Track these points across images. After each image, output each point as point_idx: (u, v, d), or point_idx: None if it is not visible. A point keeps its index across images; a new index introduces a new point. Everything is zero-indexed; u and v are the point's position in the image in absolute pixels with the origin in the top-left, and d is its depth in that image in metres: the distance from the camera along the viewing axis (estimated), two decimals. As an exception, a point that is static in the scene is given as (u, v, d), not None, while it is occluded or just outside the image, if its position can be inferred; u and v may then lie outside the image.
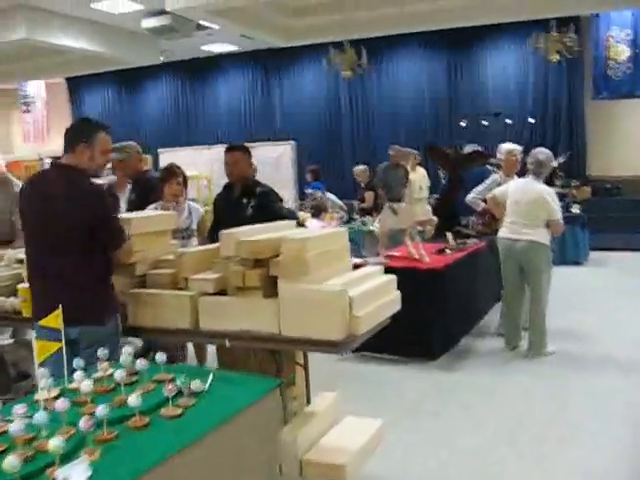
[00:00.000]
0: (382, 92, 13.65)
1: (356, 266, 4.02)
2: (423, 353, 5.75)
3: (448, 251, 6.35)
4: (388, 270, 5.80)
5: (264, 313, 3.48)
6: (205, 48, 14.31)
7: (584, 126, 12.37)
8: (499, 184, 6.40)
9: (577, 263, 10.25)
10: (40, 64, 14.14)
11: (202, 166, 9.50)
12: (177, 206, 5.38)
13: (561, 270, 9.43)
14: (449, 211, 7.27)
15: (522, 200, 5.72)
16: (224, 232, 3.74)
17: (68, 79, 17.17)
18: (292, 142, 9.16)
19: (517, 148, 6.62)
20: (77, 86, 17.32)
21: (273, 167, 9.08)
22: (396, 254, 6.38)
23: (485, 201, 6.42)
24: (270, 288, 3.38)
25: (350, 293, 3.42)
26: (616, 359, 5.70)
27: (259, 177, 8.96)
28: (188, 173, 9.40)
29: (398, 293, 3.99)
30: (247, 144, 8.89)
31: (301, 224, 7.62)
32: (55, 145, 16.93)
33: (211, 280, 3.61)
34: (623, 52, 11.73)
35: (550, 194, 5.69)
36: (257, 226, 4.20)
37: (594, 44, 11.82)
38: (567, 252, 10.25)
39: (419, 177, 10.81)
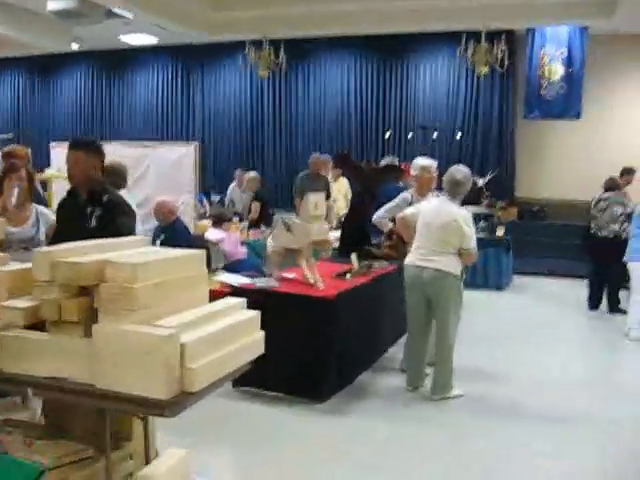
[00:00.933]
0: (307, 96, 12.92)
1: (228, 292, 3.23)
2: (310, 392, 5.00)
3: (348, 276, 5.62)
4: (274, 295, 5.22)
5: (78, 358, 2.70)
6: (123, 39, 13.33)
7: (514, 145, 11.88)
8: (410, 203, 5.73)
9: (499, 288, 9.72)
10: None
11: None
12: (19, 210, 4.52)
13: (481, 295, 8.92)
14: (358, 229, 6.55)
15: (433, 223, 5.04)
16: (38, 250, 2.97)
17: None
18: (195, 143, 8.27)
19: (433, 164, 5.97)
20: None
21: (172, 169, 8.18)
22: (289, 276, 5.62)
23: (394, 221, 5.73)
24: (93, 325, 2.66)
25: (184, 338, 2.65)
26: (524, 405, 5.09)
27: (156, 180, 8.50)
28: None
29: (261, 334, 3.25)
30: (147, 142, 8.00)
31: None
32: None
33: (21, 310, 2.81)
34: (557, 71, 11.29)
35: (465, 219, 5.01)
36: (93, 242, 3.40)
37: (528, 61, 11.34)
38: (490, 276, 9.73)
39: (340, 189, 10.18)
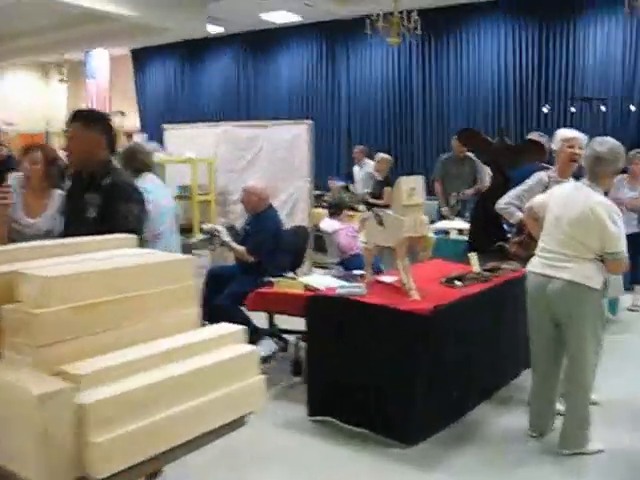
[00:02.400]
0: (459, 71, 11.53)
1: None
2: (395, 432, 3.89)
3: (458, 283, 4.40)
4: (356, 305, 4.14)
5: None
6: (265, 17, 12.76)
7: None
8: (546, 187, 4.41)
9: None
10: (84, 34, 13.08)
11: (208, 148, 7.86)
12: (35, 197, 3.87)
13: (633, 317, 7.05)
14: (490, 219, 5.29)
15: (564, 216, 3.72)
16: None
17: (133, 51, 16.18)
18: (309, 122, 7.33)
19: (579, 136, 4.57)
20: (141, 58, 16.30)
21: (286, 151, 7.30)
22: (388, 280, 4.52)
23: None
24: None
25: (90, 396, 1.79)
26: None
27: (267, 164, 7.65)
28: (188, 155, 7.93)
29: (258, 379, 2.29)
30: (260, 122, 7.13)
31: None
32: (117, 119, 16.04)
33: None
34: None
35: (609, 211, 3.62)
36: (50, 242, 2.66)
37: None
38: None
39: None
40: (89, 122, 3.27)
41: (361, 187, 9.73)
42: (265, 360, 5.40)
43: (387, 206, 8.59)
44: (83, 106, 17.00)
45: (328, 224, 7.28)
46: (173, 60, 15.66)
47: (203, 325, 5.33)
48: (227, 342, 2.41)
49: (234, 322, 4.82)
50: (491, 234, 5.36)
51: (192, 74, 15.34)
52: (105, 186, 3.29)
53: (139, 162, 4.76)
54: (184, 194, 7.62)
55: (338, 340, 4.14)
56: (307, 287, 4.78)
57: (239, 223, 6.80)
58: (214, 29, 13.82)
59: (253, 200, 5.87)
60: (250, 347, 2.45)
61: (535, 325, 3.89)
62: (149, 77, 16.26)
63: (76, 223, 3.42)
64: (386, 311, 3.93)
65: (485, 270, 4.80)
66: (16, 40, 14.32)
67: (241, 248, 5.77)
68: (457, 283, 4.38)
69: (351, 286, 4.43)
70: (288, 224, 7.32)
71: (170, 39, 14.65)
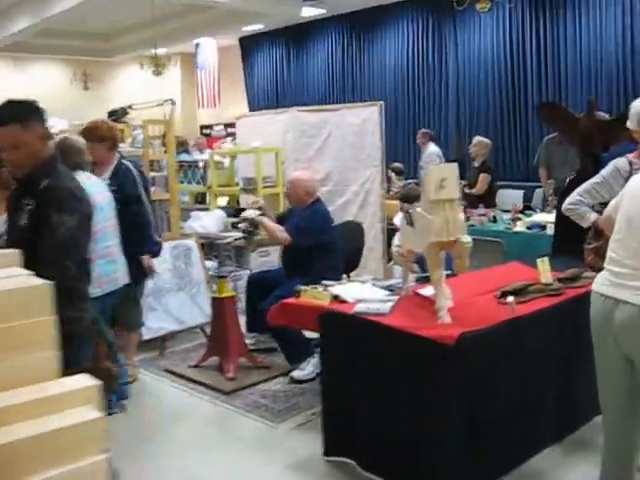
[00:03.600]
0: (579, 42, 10.10)
1: None
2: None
3: (510, 299, 3.42)
4: (376, 327, 3.31)
5: None
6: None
7: None
8: (627, 177, 3.35)
9: None
10: (183, 25, 12.91)
11: (277, 136, 7.19)
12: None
13: None
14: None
15: (637, 217, 2.69)
16: None
17: (241, 39, 15.86)
18: (379, 102, 6.46)
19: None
20: (248, 46, 15.94)
21: (356, 137, 6.49)
22: (426, 294, 3.63)
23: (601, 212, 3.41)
24: None
25: None
26: None
27: (336, 152, 6.85)
28: (254, 144, 7.31)
29: (99, 460, 1.55)
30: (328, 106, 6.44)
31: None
32: (227, 110, 15.82)
33: None
34: None
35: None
36: None
37: None
38: None
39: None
40: (21, 118, 2.66)
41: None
42: (303, 382, 4.71)
43: (481, 197, 7.61)
44: (194, 98, 17.03)
45: (401, 218, 6.39)
46: (279, 46, 15.17)
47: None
48: (76, 402, 1.72)
49: (280, 332, 3.90)
50: (578, 234, 4.29)
51: (297, 59, 14.78)
52: (41, 189, 2.70)
53: (72, 161, 3.93)
54: (249, 187, 7.02)
55: (355, 367, 3.36)
56: (336, 299, 3.99)
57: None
58: (316, 12, 13.18)
59: (299, 193, 5.16)
60: (97, 413, 1.72)
61: (602, 363, 2.88)
62: (256, 65, 15.88)
63: (10, 231, 2.87)
64: (404, 337, 3.08)
65: (560, 280, 3.79)
66: (121, 36, 14.47)
67: (276, 225, 5.07)
68: (509, 300, 3.41)
69: (378, 301, 3.60)
70: (360, 218, 6.56)
71: (272, 25, 14.20)
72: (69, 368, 1.96)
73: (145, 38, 13.76)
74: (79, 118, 6.32)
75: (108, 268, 4.09)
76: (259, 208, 5.37)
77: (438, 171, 3.20)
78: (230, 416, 4.34)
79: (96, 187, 4.08)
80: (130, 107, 6.12)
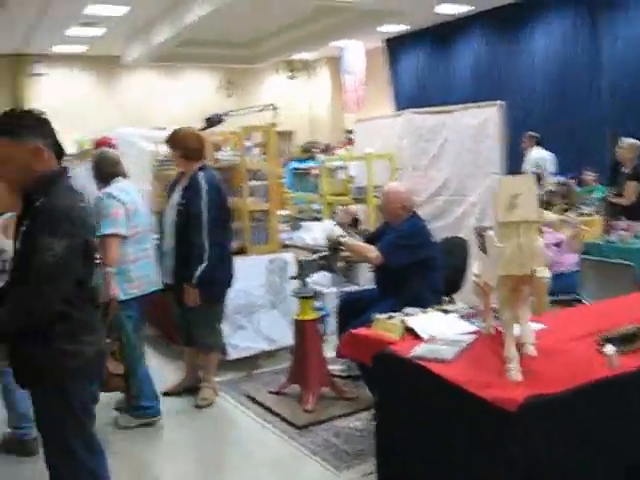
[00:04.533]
0: None
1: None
2: None
3: (609, 349, 2.66)
4: (431, 378, 2.69)
5: None
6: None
7: None
8: None
9: None
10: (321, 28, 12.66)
11: (392, 140, 6.65)
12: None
13: None
14: None
15: None
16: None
17: (388, 41, 15.41)
18: (499, 102, 5.73)
19: None
20: (394, 49, 15.44)
21: (474, 141, 5.82)
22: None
23: None
24: None
25: None
26: None
27: (454, 158, 6.14)
28: (367, 150, 6.78)
29: None
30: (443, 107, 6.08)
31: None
32: (372, 114, 15.42)
33: None
34: None
35: None
36: None
37: None
38: None
39: None
40: (12, 134, 2.41)
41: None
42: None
43: (629, 207, 6.60)
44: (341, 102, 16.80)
45: (547, 239, 5.61)
46: (424, 46, 14.53)
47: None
48: None
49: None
50: None
51: (443, 59, 14.07)
52: (33, 209, 2.43)
53: (104, 173, 4.37)
54: (359, 196, 6.54)
55: (409, 420, 2.79)
56: (410, 332, 3.42)
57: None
58: (462, 9, 12.48)
59: (394, 207, 4.62)
60: None
61: None
62: (402, 66, 15.32)
63: (14, 255, 2.61)
64: (460, 394, 2.46)
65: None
66: (262, 43, 14.50)
67: (364, 246, 4.56)
68: (607, 350, 2.66)
69: (448, 341, 2.98)
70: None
71: (415, 25, 13.65)
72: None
73: (282, 44, 13.71)
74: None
75: (147, 270, 4.34)
76: (355, 220, 4.90)
77: (510, 185, 2.54)
78: (295, 456, 3.89)
79: (135, 193, 4.39)
80: (227, 114, 5.83)
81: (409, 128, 6.53)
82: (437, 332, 3.28)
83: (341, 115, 16.74)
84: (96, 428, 2.70)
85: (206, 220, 4.45)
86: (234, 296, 5.35)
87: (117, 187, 4.33)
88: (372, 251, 4.46)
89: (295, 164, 9.37)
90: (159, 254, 4.59)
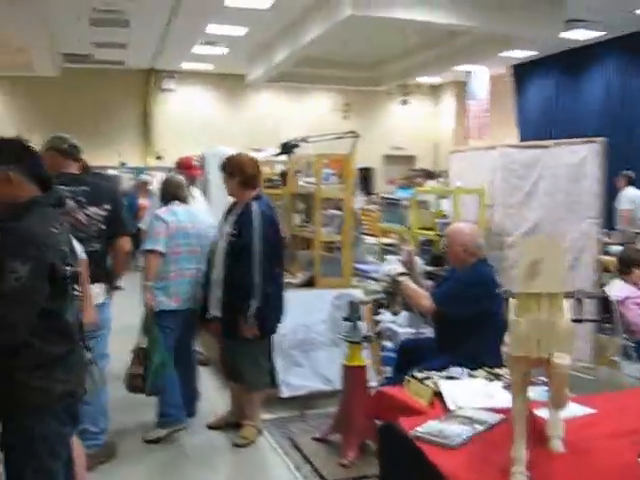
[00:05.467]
0: None
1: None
2: None
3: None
4: (428, 466, 2.30)
5: None
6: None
7: None
8: None
9: None
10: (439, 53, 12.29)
11: (485, 174, 6.20)
12: None
13: None
14: None
15: None
16: None
17: (515, 67, 14.77)
18: (600, 139, 5.15)
19: None
20: (521, 74, 14.78)
21: (569, 181, 5.29)
22: (544, 415, 2.51)
23: None
24: None
25: None
26: None
27: (548, 196, 5.55)
28: (457, 184, 6.34)
29: None
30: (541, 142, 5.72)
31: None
32: (496, 142, 14.82)
33: None
34: None
35: None
36: None
37: None
38: None
39: None
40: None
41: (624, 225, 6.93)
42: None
43: None
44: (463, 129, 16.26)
45: (616, 287, 5.00)
46: (552, 73, 13.80)
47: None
48: None
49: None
50: None
51: (572, 87, 13.28)
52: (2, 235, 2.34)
53: (166, 194, 4.69)
54: (442, 232, 6.11)
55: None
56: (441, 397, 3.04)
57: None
58: (592, 34, 11.69)
59: (456, 250, 4.22)
60: None
61: None
62: (528, 93, 14.65)
63: None
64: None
65: None
66: (380, 67, 14.30)
67: (420, 292, 4.19)
68: (646, 458, 2.17)
69: (465, 420, 2.58)
70: (569, 282, 5.29)
71: (541, 51, 12.96)
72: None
73: (405, 67, 13.43)
74: (331, 148, 6.03)
75: (186, 287, 4.49)
76: (410, 262, 4.55)
77: (532, 248, 2.13)
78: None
79: (186, 215, 4.60)
80: (304, 140, 5.62)
81: (503, 162, 6.04)
82: (468, 403, 2.88)
83: (464, 141, 16.21)
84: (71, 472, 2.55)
85: (258, 252, 4.25)
86: (293, 330, 5.15)
87: (168, 209, 4.56)
88: (425, 298, 4.09)
89: (400, 192, 9.04)
90: (207, 281, 4.43)
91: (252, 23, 11.09)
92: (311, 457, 4.20)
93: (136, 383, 4.34)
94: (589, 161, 5.16)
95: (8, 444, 2.40)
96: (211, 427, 4.67)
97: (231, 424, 4.66)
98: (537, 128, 13.98)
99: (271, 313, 4.42)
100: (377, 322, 6.11)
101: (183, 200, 4.70)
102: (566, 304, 2.20)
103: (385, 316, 5.91)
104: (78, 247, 3.30)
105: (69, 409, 2.49)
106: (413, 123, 17.31)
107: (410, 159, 17.07)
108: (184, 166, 6.01)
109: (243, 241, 4.25)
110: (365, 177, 16.58)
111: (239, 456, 4.32)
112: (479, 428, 2.49)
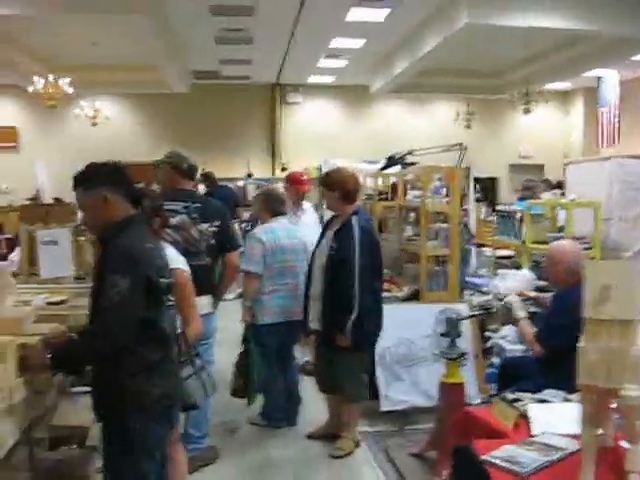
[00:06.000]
0: None
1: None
2: None
3: None
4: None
5: None
6: None
7: None
8: None
9: None
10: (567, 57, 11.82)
11: (602, 186, 5.94)
12: None
13: None
14: None
15: None
16: None
17: (650, 69, 13.95)
18: None
19: None
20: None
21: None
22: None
23: None
24: None
25: None
26: None
27: None
28: (572, 197, 6.07)
29: None
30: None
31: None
32: (628, 149, 14.07)
33: None
34: None
35: None
36: None
37: None
38: None
39: None
40: (86, 184, 2.63)
41: None
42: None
43: None
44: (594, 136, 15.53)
45: None
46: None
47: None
48: None
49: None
50: None
51: None
52: (106, 251, 2.58)
53: (272, 208, 4.81)
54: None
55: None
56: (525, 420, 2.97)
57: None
58: None
59: (557, 270, 4.09)
60: None
61: None
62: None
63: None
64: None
65: None
66: (505, 74, 13.94)
67: (529, 331, 4.08)
68: None
69: (542, 447, 2.51)
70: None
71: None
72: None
73: (528, 74, 13.04)
74: (451, 159, 6.06)
75: (280, 301, 4.66)
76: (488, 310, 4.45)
77: (599, 272, 2.06)
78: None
79: (284, 232, 4.77)
80: (410, 152, 5.61)
81: (618, 174, 5.76)
82: (554, 428, 2.79)
83: (595, 149, 15.48)
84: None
85: (358, 265, 4.29)
86: (396, 344, 5.16)
87: (264, 227, 4.77)
88: (535, 344, 4.00)
89: (519, 203, 8.79)
90: (306, 295, 4.54)
91: (368, 35, 11.18)
92: (405, 472, 4.20)
93: (238, 392, 4.62)
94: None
95: (107, 442, 2.61)
96: (310, 437, 4.76)
97: (329, 435, 4.72)
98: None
99: (369, 326, 4.45)
100: (487, 338, 5.99)
101: (282, 214, 4.89)
102: (643, 332, 2.10)
103: (496, 332, 5.78)
104: (181, 260, 3.51)
105: (166, 412, 2.66)
106: (541, 131, 16.72)
107: (538, 168, 16.47)
108: (294, 181, 6.14)
109: (343, 255, 4.30)
110: (487, 187, 16.22)
111: (333, 467, 4.38)
112: (554, 456, 2.41)
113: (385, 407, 5.01)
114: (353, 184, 4.49)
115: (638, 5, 8.61)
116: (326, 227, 4.60)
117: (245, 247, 4.75)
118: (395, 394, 5.04)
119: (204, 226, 4.11)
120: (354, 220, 4.38)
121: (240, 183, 14.25)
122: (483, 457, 2.41)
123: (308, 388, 5.22)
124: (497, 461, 2.38)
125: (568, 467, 2.33)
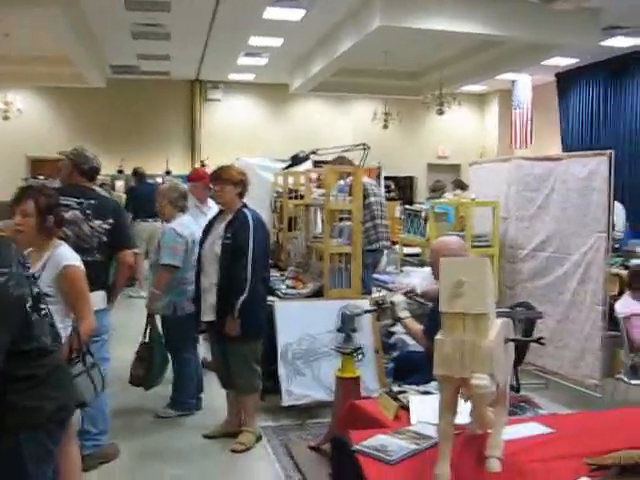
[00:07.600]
0: None
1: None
2: None
3: None
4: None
5: None
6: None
7: None
8: None
9: None
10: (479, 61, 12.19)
11: (500, 187, 6.19)
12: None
13: None
14: None
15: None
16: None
17: (558, 75, 14.53)
18: (608, 152, 5.08)
19: None
20: (564, 83, 14.51)
21: (579, 194, 5.26)
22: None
23: None
24: None
25: None
26: None
27: (559, 210, 5.42)
28: (472, 196, 6.31)
29: None
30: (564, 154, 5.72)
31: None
32: (540, 151, 14.61)
33: None
34: None
35: None
36: None
37: None
38: None
39: None
40: None
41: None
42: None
43: None
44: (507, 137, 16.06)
45: (623, 304, 4.92)
46: (595, 82, 13.52)
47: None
48: None
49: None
50: None
51: (615, 96, 13.00)
52: None
53: (180, 204, 5.10)
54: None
55: None
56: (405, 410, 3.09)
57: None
58: (632, 41, 11.42)
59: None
60: None
61: None
62: (571, 102, 14.37)
63: None
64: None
65: None
66: (423, 76, 14.27)
67: (417, 327, 4.21)
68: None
69: (414, 435, 2.63)
70: (580, 296, 5.29)
71: (585, 59, 12.71)
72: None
73: (446, 76, 13.37)
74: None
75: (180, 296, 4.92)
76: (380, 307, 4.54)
77: (453, 269, 2.18)
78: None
79: (195, 227, 5.03)
80: (314, 152, 5.71)
81: (517, 175, 6.01)
82: (432, 418, 2.91)
83: (509, 150, 16.03)
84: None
85: (252, 254, 4.38)
86: (298, 340, 5.24)
87: (180, 222, 5.03)
88: (423, 339, 4.10)
89: (427, 203, 9.02)
90: (197, 289, 4.58)
91: (286, 35, 11.24)
92: (302, 465, 4.27)
93: (137, 379, 4.85)
94: (597, 175, 5.10)
95: None
96: (207, 437, 4.76)
97: (229, 434, 4.73)
98: (581, 139, 13.78)
99: (259, 312, 4.54)
100: (391, 333, 6.16)
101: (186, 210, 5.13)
102: (496, 324, 2.24)
103: (400, 327, 5.93)
104: (75, 256, 3.48)
105: (61, 426, 2.56)
106: (458, 132, 17.20)
107: (455, 168, 16.93)
108: (203, 177, 6.13)
109: (239, 243, 4.38)
110: (405, 186, 16.58)
111: (230, 461, 4.42)
112: (423, 444, 2.52)
113: (287, 402, 5.08)
114: (241, 176, 4.59)
115: (545, 13, 8.97)
116: (212, 223, 4.65)
117: (162, 241, 4.87)
118: (297, 389, 5.11)
119: (97, 223, 4.09)
120: (247, 212, 4.50)
121: (159, 180, 14.10)
122: (355, 446, 2.50)
123: (213, 383, 5.25)
124: (367, 450, 2.48)
125: (435, 455, 2.45)
